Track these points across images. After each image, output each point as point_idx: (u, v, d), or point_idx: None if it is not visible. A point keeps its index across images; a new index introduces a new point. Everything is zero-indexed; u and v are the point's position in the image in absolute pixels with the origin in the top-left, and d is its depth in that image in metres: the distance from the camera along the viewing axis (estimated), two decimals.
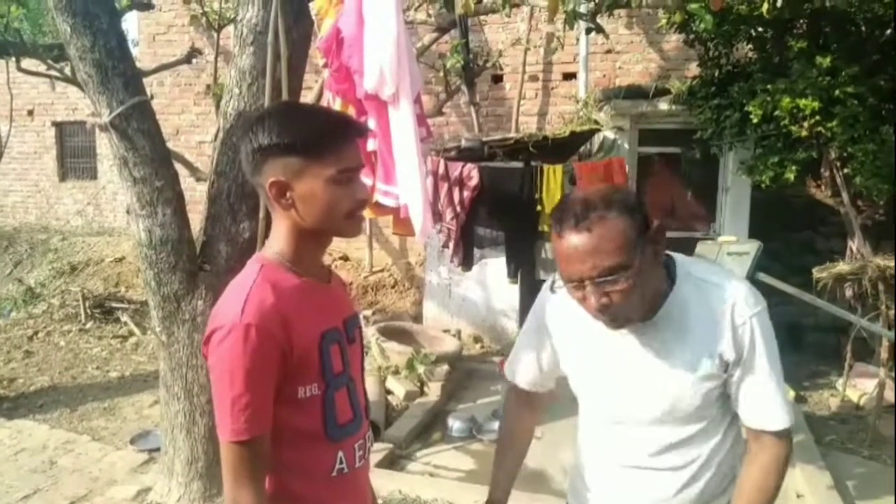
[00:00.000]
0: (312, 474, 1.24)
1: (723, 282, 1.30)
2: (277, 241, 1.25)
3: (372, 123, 2.92)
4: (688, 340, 1.27)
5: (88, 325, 6.40)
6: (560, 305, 1.37)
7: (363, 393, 1.37)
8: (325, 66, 3.19)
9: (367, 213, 1.36)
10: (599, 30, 4.81)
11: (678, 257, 1.33)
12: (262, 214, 2.95)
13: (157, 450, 3.62)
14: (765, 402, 1.28)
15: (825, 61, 3.89)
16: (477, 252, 4.87)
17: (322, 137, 1.18)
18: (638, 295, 1.18)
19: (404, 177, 2.90)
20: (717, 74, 4.83)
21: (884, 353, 4.16)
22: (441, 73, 6.33)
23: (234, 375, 1.11)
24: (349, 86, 3.03)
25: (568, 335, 1.40)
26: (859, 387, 4.67)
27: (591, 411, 1.45)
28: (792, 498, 3.36)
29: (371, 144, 3.03)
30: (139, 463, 3.72)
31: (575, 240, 1.14)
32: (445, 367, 4.88)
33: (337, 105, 3.13)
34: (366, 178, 2.77)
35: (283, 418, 1.18)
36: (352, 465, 1.28)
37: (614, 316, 1.20)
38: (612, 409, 1.39)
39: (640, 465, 1.36)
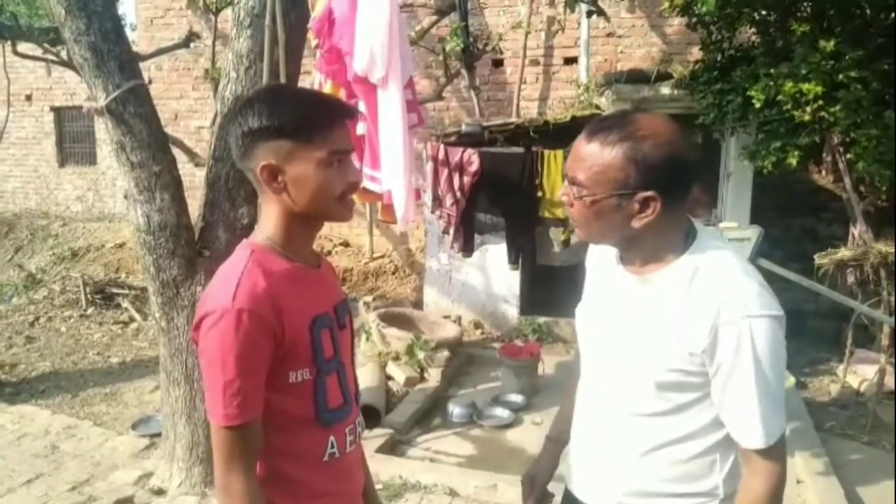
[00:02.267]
0: (304, 459, 1.24)
1: (734, 272, 1.22)
2: (267, 226, 1.24)
3: (361, 107, 2.90)
4: (671, 315, 1.23)
5: (89, 311, 6.41)
6: (595, 247, 1.47)
7: (354, 379, 1.36)
8: (318, 46, 3.17)
9: (355, 198, 1.35)
10: (601, 13, 4.77)
11: (705, 234, 1.33)
12: (260, 200, 2.94)
13: (158, 435, 3.63)
14: (742, 413, 1.20)
15: (829, 45, 3.83)
16: (477, 238, 4.86)
17: (312, 119, 1.16)
18: (595, 223, 1.26)
19: (389, 162, 2.87)
20: (719, 59, 4.78)
21: (884, 340, 4.16)
22: (440, 57, 6.26)
23: (226, 360, 1.11)
24: (339, 67, 3.00)
25: (590, 275, 1.48)
26: (859, 373, 4.67)
27: (584, 361, 1.45)
28: (791, 483, 3.37)
29: (360, 128, 3.00)
30: (140, 448, 3.74)
31: (580, 140, 1.26)
32: (446, 353, 4.89)
33: (328, 87, 3.10)
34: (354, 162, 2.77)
35: (275, 403, 1.18)
36: (343, 450, 1.28)
37: (571, 216, 1.31)
38: (598, 357, 1.38)
39: (614, 423, 1.34)
